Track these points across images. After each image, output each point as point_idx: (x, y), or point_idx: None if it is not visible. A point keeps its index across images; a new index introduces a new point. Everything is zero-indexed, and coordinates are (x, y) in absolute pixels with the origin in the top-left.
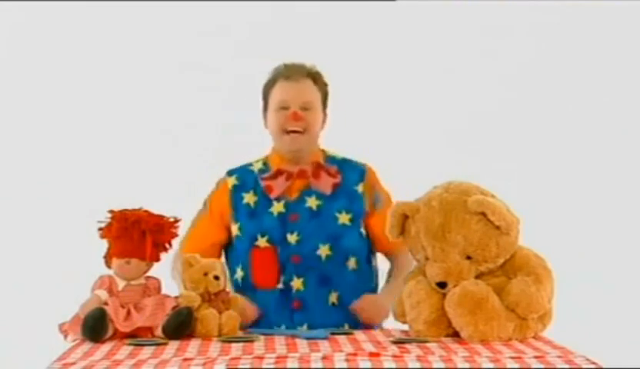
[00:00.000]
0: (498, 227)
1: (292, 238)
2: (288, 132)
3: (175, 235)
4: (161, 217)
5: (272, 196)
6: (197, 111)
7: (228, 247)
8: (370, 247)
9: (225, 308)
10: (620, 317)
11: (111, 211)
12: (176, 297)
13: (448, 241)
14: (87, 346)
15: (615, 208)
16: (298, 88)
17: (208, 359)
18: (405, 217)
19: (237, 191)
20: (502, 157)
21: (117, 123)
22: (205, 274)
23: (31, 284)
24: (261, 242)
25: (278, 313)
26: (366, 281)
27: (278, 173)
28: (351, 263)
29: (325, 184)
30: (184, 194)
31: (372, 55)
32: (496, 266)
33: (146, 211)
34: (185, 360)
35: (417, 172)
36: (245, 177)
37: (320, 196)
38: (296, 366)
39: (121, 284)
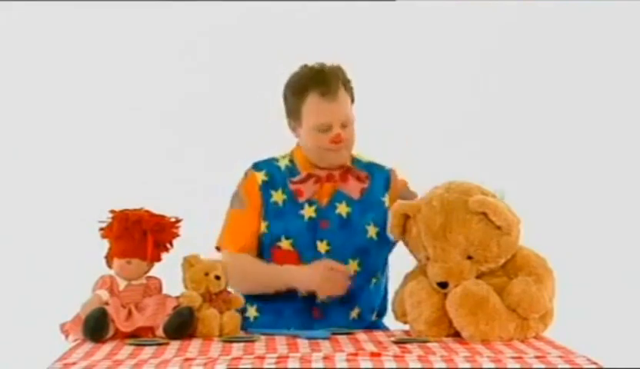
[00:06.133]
0: (499, 228)
1: (322, 247)
2: (330, 150)
3: (176, 235)
4: (162, 217)
5: (301, 200)
6: (198, 111)
7: None
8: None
9: (226, 308)
10: (620, 317)
11: (112, 211)
12: (177, 297)
13: (449, 241)
14: (88, 346)
15: (616, 208)
16: (337, 109)
17: (209, 359)
18: (407, 217)
19: (266, 188)
20: (502, 157)
21: (118, 123)
22: (206, 274)
23: (32, 284)
24: (284, 244)
25: (296, 317)
26: (380, 292)
27: (308, 177)
28: (374, 279)
29: (354, 188)
30: (185, 194)
31: (372, 55)
32: (497, 266)
33: (147, 211)
34: (186, 360)
35: (416, 172)
36: (273, 173)
37: (349, 202)
38: (297, 366)
39: (122, 283)
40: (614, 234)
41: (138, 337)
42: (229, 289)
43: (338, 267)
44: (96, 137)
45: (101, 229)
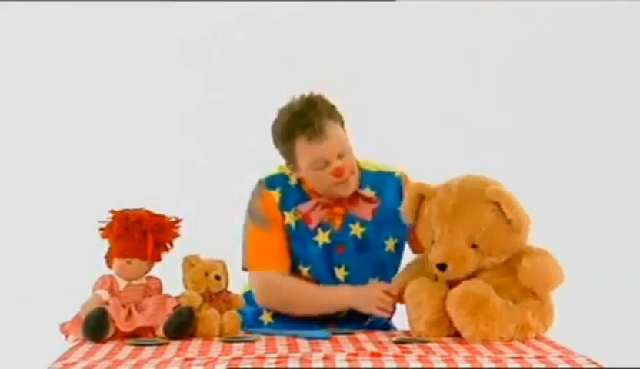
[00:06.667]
0: (509, 222)
1: (341, 273)
2: (336, 185)
3: (177, 235)
4: (162, 217)
5: (311, 226)
6: (199, 112)
7: None
8: None
9: (226, 308)
10: (620, 317)
11: (112, 211)
12: (177, 297)
13: (457, 223)
14: (88, 346)
15: (615, 208)
16: (328, 145)
17: (209, 359)
18: (421, 198)
19: (281, 208)
20: (502, 157)
21: (118, 123)
22: (206, 274)
23: (32, 284)
24: (303, 271)
25: (310, 327)
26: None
27: (315, 205)
28: None
29: (365, 210)
30: (185, 194)
31: (372, 55)
32: (499, 261)
33: (147, 211)
34: (186, 360)
35: (416, 172)
36: (286, 191)
37: (363, 222)
38: (297, 366)
39: (122, 283)
40: (614, 234)
41: (138, 337)
42: (229, 289)
43: (391, 291)
44: (96, 137)
45: (101, 229)
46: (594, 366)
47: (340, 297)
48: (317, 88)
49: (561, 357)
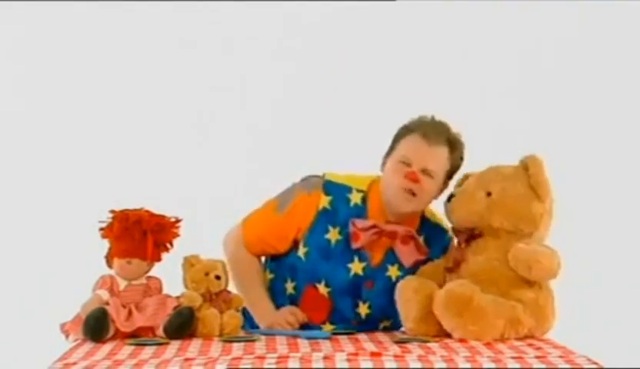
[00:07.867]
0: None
1: (363, 309)
2: (403, 189)
3: (176, 235)
4: (162, 217)
5: (355, 245)
6: (199, 112)
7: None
8: None
9: (226, 308)
10: (620, 317)
11: (112, 211)
12: (177, 297)
13: (482, 173)
14: (88, 346)
15: (616, 208)
16: (428, 153)
17: (210, 359)
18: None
19: (324, 218)
20: (502, 158)
21: (118, 123)
22: (207, 274)
23: (33, 284)
24: (322, 289)
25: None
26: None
27: (371, 227)
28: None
29: (409, 255)
30: (185, 194)
31: (372, 55)
32: (510, 226)
33: (147, 211)
34: (187, 360)
35: None
36: (339, 204)
37: (401, 266)
38: (297, 366)
39: (122, 283)
40: (614, 234)
41: (138, 337)
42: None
43: (293, 323)
44: (96, 137)
45: (102, 229)
46: (594, 366)
47: (259, 309)
48: (317, 87)
49: (561, 357)
